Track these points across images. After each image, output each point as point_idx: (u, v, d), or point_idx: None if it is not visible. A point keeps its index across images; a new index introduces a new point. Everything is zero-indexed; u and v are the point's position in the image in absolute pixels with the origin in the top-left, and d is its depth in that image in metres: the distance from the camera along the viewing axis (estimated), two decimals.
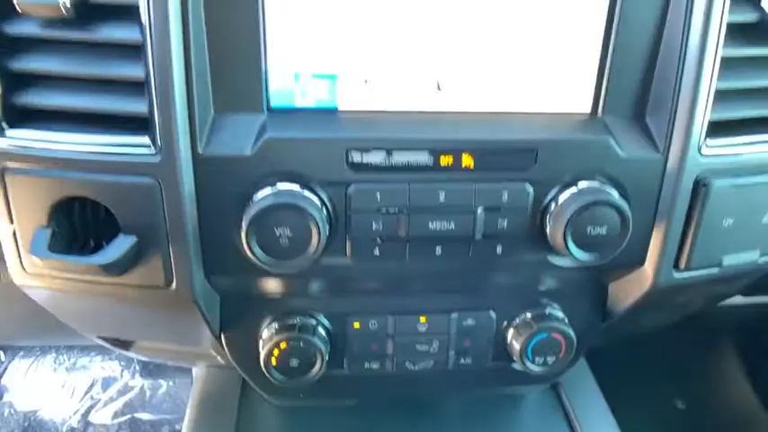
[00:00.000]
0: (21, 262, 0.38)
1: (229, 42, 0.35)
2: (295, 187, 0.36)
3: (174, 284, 0.37)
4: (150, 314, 0.43)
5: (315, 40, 0.36)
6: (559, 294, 0.45)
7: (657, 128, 0.39)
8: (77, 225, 0.37)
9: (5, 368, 1.08)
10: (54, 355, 1.10)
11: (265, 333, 0.44)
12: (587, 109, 0.39)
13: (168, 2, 0.32)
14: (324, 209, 0.36)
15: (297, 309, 0.44)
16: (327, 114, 0.38)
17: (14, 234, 0.37)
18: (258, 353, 0.44)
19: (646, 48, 0.38)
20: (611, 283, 0.46)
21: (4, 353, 1.09)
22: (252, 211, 0.35)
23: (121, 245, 0.36)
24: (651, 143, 0.39)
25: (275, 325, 0.44)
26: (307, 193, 0.36)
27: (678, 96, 0.38)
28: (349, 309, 0.44)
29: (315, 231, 0.35)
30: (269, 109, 0.37)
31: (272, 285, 0.43)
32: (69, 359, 1.10)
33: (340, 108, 0.38)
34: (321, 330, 0.44)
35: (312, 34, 0.36)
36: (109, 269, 0.35)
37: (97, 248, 0.37)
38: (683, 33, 0.37)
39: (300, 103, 0.38)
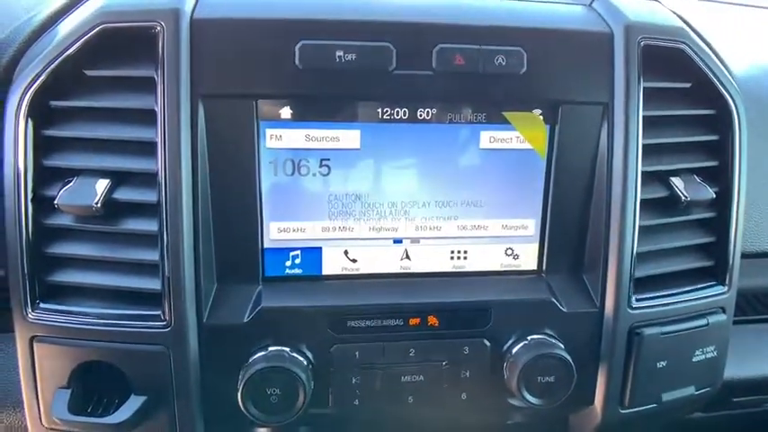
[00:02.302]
0: (40, 418, 0.42)
1: (233, 230, 0.42)
2: (285, 350, 0.42)
3: None
4: None
5: (304, 223, 0.44)
6: (526, 428, 0.50)
7: (593, 285, 0.46)
8: (92, 385, 0.42)
9: None
10: None
11: None
12: (534, 266, 0.47)
13: (182, 203, 0.39)
14: (309, 367, 0.42)
15: None
16: (314, 281, 0.45)
17: (36, 395, 0.42)
18: None
19: (577, 217, 0.46)
20: (570, 415, 0.51)
21: None
22: (247, 374, 0.40)
23: (133, 405, 0.40)
24: (589, 299, 0.46)
25: None
26: (295, 354, 0.42)
27: (606, 259, 0.45)
28: None
29: (301, 390, 0.40)
30: (263, 278, 0.44)
31: None
32: None
33: (324, 273, 0.45)
34: None
35: (301, 218, 0.44)
36: (120, 427, 0.40)
37: (110, 403, 0.42)
38: (606, 208, 0.45)
39: (291, 272, 0.45)
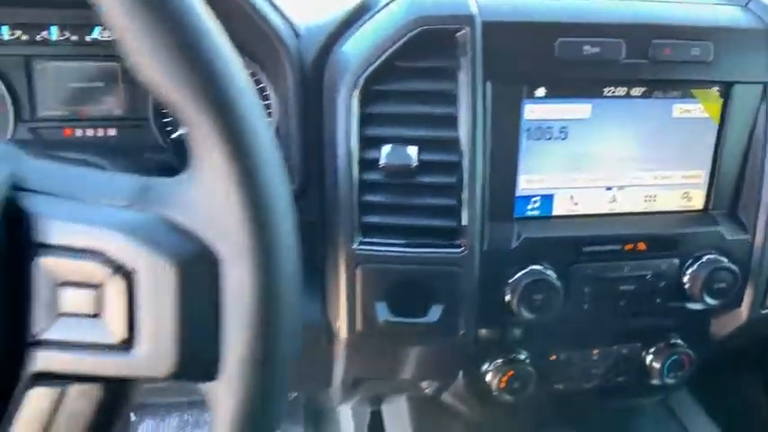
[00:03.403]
0: (354, 325, 0.56)
1: (500, 182, 0.56)
2: (540, 268, 0.56)
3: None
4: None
5: (543, 175, 0.58)
6: (682, 328, 0.66)
7: (747, 220, 0.61)
8: (399, 298, 0.56)
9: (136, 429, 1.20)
10: (179, 413, 1.23)
11: (493, 366, 0.63)
12: (702, 206, 0.63)
13: (476, 162, 0.53)
14: (559, 282, 0.57)
15: (514, 347, 0.64)
16: (546, 219, 0.59)
17: (355, 307, 0.56)
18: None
19: (737, 168, 0.61)
20: (713, 319, 0.68)
21: (135, 413, 1.21)
22: (518, 286, 0.55)
23: (435, 311, 0.55)
24: (744, 230, 0.61)
25: (500, 361, 0.63)
26: (548, 271, 0.56)
27: (758, 200, 0.60)
28: (550, 347, 0.64)
29: (555, 295, 0.56)
30: (514, 218, 0.58)
31: (515, 332, 0.63)
32: (193, 417, 1.23)
33: (554, 214, 0.60)
34: (529, 362, 0.63)
35: (542, 171, 0.58)
36: (432, 325, 0.54)
37: (414, 311, 0.56)
38: (760, 162, 0.60)
39: (530, 213, 0.59)
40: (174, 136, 0.69)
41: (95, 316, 0.29)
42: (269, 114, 0.63)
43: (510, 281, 0.56)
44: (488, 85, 0.53)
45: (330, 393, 0.88)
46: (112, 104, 0.68)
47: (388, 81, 0.53)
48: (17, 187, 0.29)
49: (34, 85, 0.66)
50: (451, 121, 0.53)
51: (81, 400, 0.29)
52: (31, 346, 0.29)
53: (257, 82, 0.65)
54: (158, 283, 0.28)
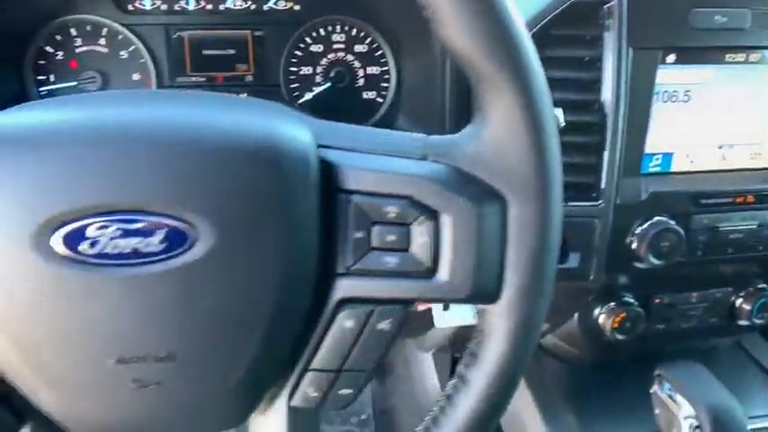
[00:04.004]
0: None
1: (632, 141, 0.61)
2: (665, 218, 0.63)
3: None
4: None
5: (667, 134, 0.64)
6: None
7: None
8: None
9: None
10: None
11: (606, 309, 0.70)
12: None
13: (618, 123, 0.58)
14: (681, 229, 0.63)
15: (623, 291, 0.70)
16: (665, 175, 0.65)
17: None
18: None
19: None
20: None
21: None
22: (647, 234, 0.61)
23: (574, 258, 0.61)
24: None
25: (612, 304, 0.70)
26: (671, 221, 0.63)
27: None
28: (655, 290, 0.71)
29: (680, 242, 0.62)
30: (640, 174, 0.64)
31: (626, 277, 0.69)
32: None
33: (672, 170, 0.66)
34: (637, 304, 0.70)
35: (666, 130, 0.63)
36: (569, 272, 0.61)
37: None
38: None
39: (652, 170, 0.65)
40: (301, 101, 0.73)
41: (404, 250, 0.34)
42: None
43: (637, 231, 0.63)
44: (630, 51, 0.58)
45: (426, 338, 0.95)
46: (244, 71, 0.72)
47: (541, 48, 0.57)
48: (320, 145, 0.34)
49: (173, 53, 0.69)
50: (596, 86, 0.59)
51: (384, 321, 0.35)
52: (340, 275, 0.34)
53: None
54: (460, 222, 0.34)
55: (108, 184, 0.29)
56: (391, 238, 0.34)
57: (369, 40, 0.74)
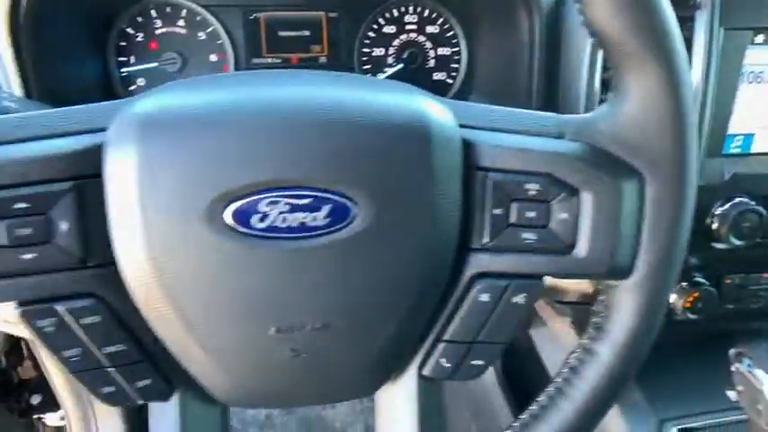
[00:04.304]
0: None
1: (718, 121, 0.61)
2: (746, 199, 0.63)
3: None
4: None
5: (749, 115, 0.63)
6: None
7: None
8: None
9: None
10: None
11: (677, 290, 0.71)
12: None
13: (707, 98, 0.58)
14: (763, 210, 0.63)
15: (690, 273, 0.71)
16: (745, 157, 0.65)
17: None
18: None
19: None
20: None
21: None
22: (729, 214, 0.62)
23: None
24: None
25: (684, 284, 0.70)
26: (752, 202, 0.63)
27: None
28: (726, 271, 0.72)
29: (759, 225, 0.62)
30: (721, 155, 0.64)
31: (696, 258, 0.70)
32: None
33: (751, 152, 0.66)
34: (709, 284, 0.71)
35: (751, 108, 0.63)
36: None
37: None
38: None
39: (732, 151, 0.65)
40: None
41: (543, 227, 0.35)
42: None
43: (718, 212, 0.63)
44: (721, 31, 0.58)
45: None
46: (319, 52, 0.73)
47: None
48: (460, 124, 0.35)
49: (249, 34, 0.70)
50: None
51: (519, 295, 0.36)
52: (475, 250, 0.35)
53: None
54: (600, 200, 0.34)
55: (279, 161, 0.30)
56: (531, 214, 0.35)
57: (441, 20, 0.74)
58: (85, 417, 1.06)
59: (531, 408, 0.39)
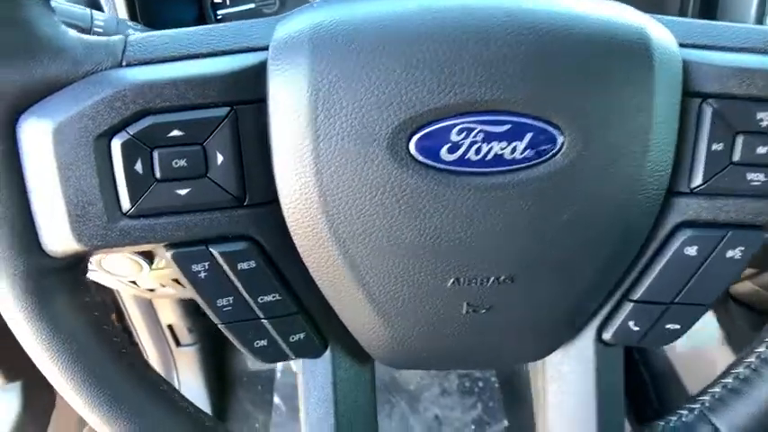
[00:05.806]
0: None
1: None
2: None
3: None
4: None
5: None
6: None
7: None
8: None
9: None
10: None
11: None
12: None
13: None
14: None
15: None
16: None
17: None
18: None
19: None
20: None
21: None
22: None
23: None
24: None
25: None
26: None
27: None
28: None
29: None
30: None
31: None
32: None
33: None
34: None
35: None
36: None
37: None
38: None
39: None
40: None
41: None
42: None
43: None
44: None
45: None
46: None
47: None
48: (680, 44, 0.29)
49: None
50: None
51: (736, 249, 0.30)
52: (683, 195, 0.29)
53: None
54: None
55: (476, 79, 0.25)
56: (762, 150, 0.29)
57: None
58: (168, 370, 1.08)
59: (724, 380, 0.34)
